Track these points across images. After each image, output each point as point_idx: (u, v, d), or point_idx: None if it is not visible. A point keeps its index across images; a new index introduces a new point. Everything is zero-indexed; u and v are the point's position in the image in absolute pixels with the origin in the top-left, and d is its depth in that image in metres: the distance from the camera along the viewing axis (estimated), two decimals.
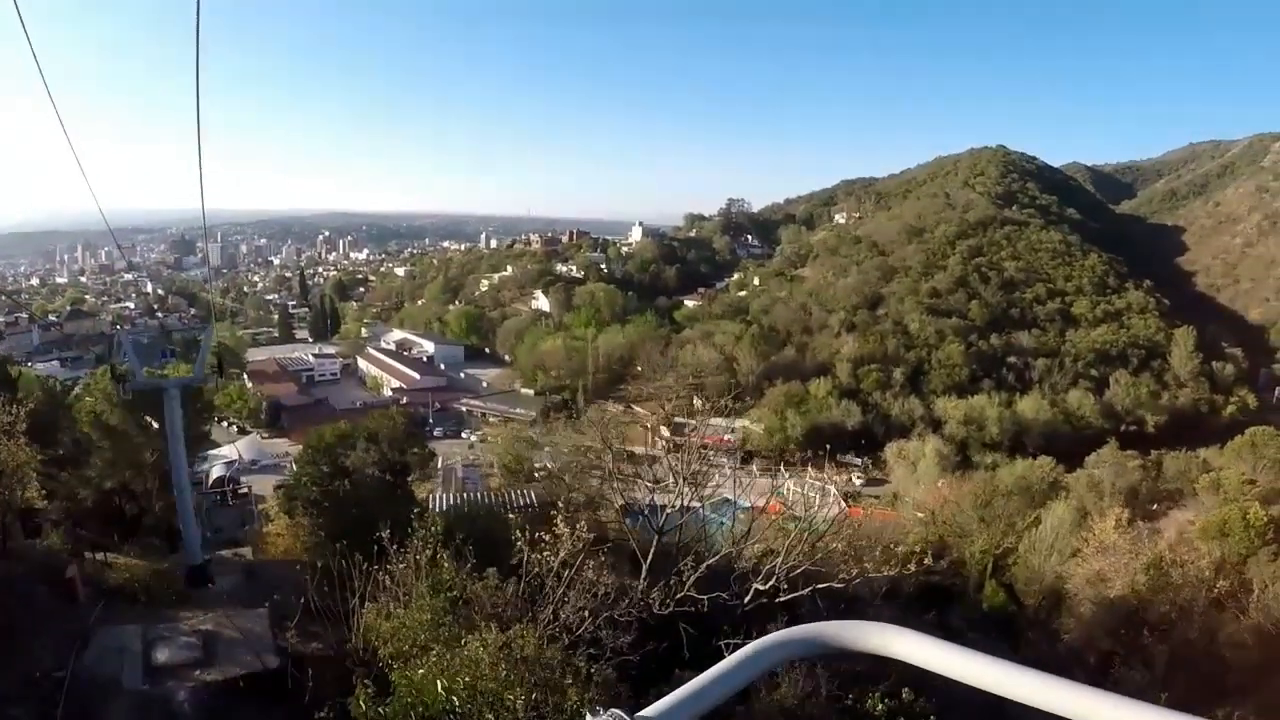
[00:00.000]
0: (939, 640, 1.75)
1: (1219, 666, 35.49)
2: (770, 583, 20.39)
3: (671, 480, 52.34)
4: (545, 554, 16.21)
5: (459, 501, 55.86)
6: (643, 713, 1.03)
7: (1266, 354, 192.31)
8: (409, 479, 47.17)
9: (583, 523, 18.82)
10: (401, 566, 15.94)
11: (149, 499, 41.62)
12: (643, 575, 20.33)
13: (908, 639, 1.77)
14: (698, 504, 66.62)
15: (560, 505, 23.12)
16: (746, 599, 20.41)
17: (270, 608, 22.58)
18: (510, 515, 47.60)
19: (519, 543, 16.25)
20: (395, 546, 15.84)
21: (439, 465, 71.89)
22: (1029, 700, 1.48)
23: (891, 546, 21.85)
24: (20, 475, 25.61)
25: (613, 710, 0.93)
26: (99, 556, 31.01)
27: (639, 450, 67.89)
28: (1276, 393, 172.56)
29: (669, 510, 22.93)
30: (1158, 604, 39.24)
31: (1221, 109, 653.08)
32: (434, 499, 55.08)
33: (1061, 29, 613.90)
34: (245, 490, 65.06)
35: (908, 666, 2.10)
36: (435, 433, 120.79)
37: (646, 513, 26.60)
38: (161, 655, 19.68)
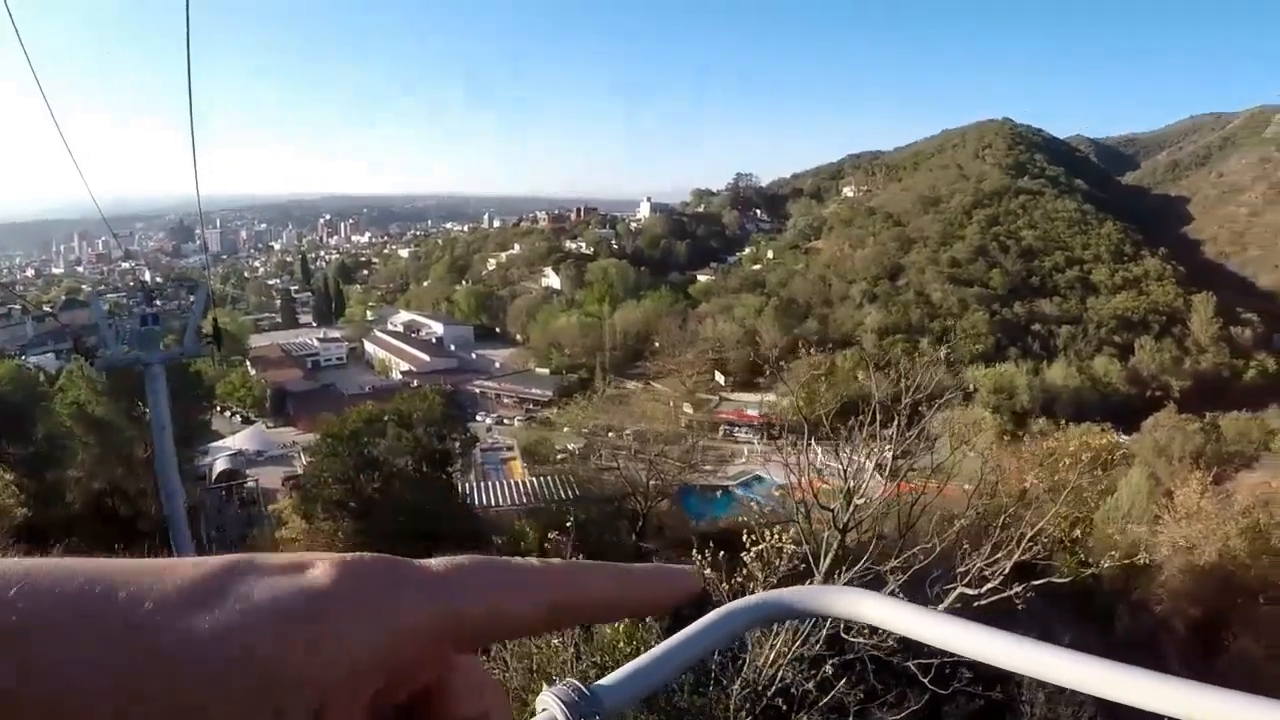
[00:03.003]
0: (907, 603, 1.67)
1: None
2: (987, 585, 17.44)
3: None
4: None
5: (512, 496, 52.58)
6: (601, 681, 1.07)
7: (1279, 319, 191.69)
8: (451, 470, 43.48)
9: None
10: None
11: (144, 499, 36.77)
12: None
13: (875, 602, 1.66)
14: (729, 482, 63.17)
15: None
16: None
17: None
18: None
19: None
20: None
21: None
22: (995, 661, 1.55)
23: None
24: None
25: (568, 680, 0.96)
26: None
27: (661, 429, 65.06)
28: None
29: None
30: (1257, 568, 37.46)
31: (1221, 81, 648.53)
32: (474, 491, 51.60)
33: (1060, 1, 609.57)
34: (252, 484, 60.99)
35: None
36: None
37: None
38: None
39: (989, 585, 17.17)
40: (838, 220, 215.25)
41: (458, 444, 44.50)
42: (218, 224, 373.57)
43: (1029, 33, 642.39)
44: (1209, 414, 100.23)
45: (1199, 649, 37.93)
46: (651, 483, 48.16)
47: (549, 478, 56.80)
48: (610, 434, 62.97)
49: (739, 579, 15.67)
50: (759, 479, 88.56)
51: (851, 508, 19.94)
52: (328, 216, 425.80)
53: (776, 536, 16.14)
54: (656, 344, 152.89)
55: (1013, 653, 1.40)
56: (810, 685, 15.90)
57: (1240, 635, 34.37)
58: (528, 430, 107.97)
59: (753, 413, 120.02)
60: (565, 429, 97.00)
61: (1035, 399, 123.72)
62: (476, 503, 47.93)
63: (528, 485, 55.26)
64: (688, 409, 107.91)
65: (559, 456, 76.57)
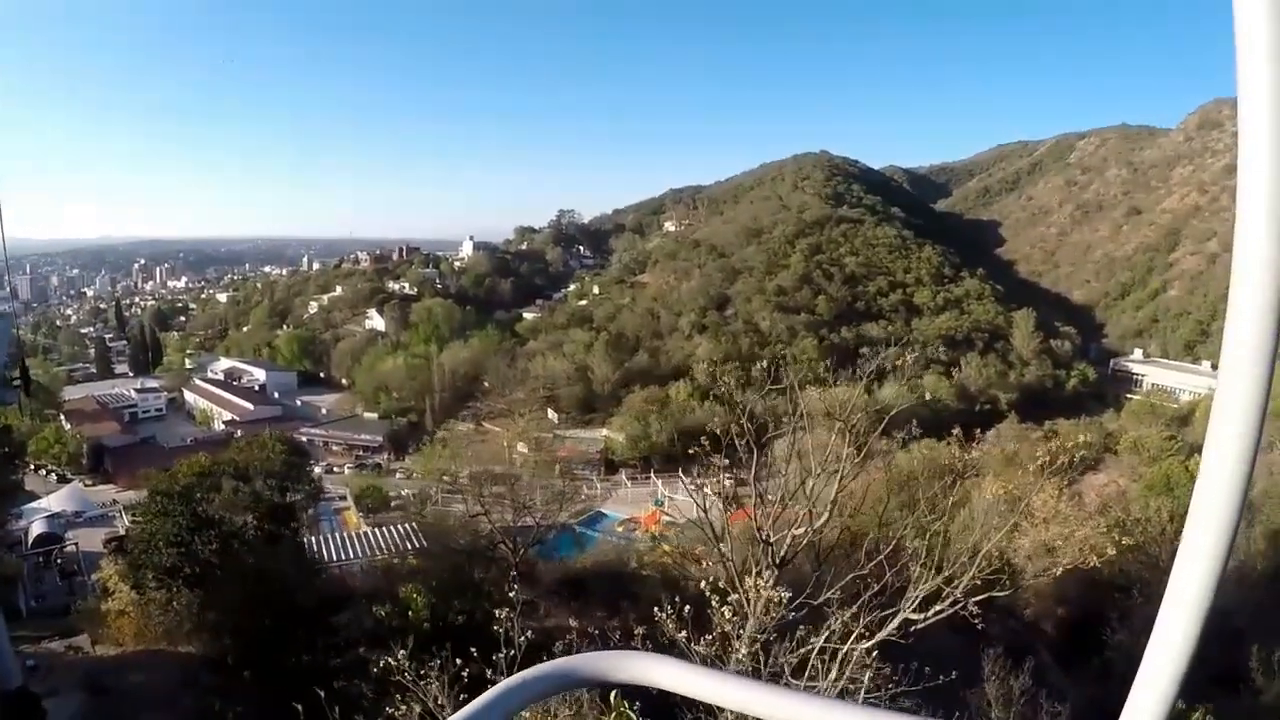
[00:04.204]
0: (696, 666, 1.85)
1: None
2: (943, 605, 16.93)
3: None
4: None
5: (354, 549, 49.24)
6: None
7: (1095, 330, 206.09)
8: (295, 526, 39.78)
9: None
10: None
11: None
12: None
13: (665, 666, 1.85)
14: (571, 520, 61.32)
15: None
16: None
17: None
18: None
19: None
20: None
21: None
22: (778, 717, 1.71)
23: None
24: None
25: None
26: None
27: (496, 469, 62.85)
28: (1111, 365, 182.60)
29: None
30: (1120, 563, 38.58)
31: (1025, 111, 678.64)
32: (318, 546, 48.12)
33: (870, 32, 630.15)
34: (72, 547, 56.43)
35: None
36: None
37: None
38: None
39: (935, 608, 16.65)
40: (662, 254, 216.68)
41: (300, 496, 41.39)
42: (27, 270, 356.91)
43: (843, 67, 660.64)
44: (1047, 422, 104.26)
45: (1074, 647, 38.69)
46: (520, 525, 45.83)
47: (394, 527, 54.02)
48: (464, 479, 60.12)
49: (714, 635, 14.59)
50: (601, 515, 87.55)
51: (790, 537, 19.58)
52: (142, 261, 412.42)
53: (752, 583, 15.34)
54: (486, 384, 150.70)
55: (799, 707, 1.55)
56: None
57: (1118, 630, 34.90)
58: (359, 477, 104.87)
59: (587, 449, 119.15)
60: (412, 475, 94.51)
61: (871, 419, 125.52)
62: (322, 559, 44.58)
63: (371, 537, 51.98)
64: (522, 448, 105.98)
65: (399, 503, 74.48)
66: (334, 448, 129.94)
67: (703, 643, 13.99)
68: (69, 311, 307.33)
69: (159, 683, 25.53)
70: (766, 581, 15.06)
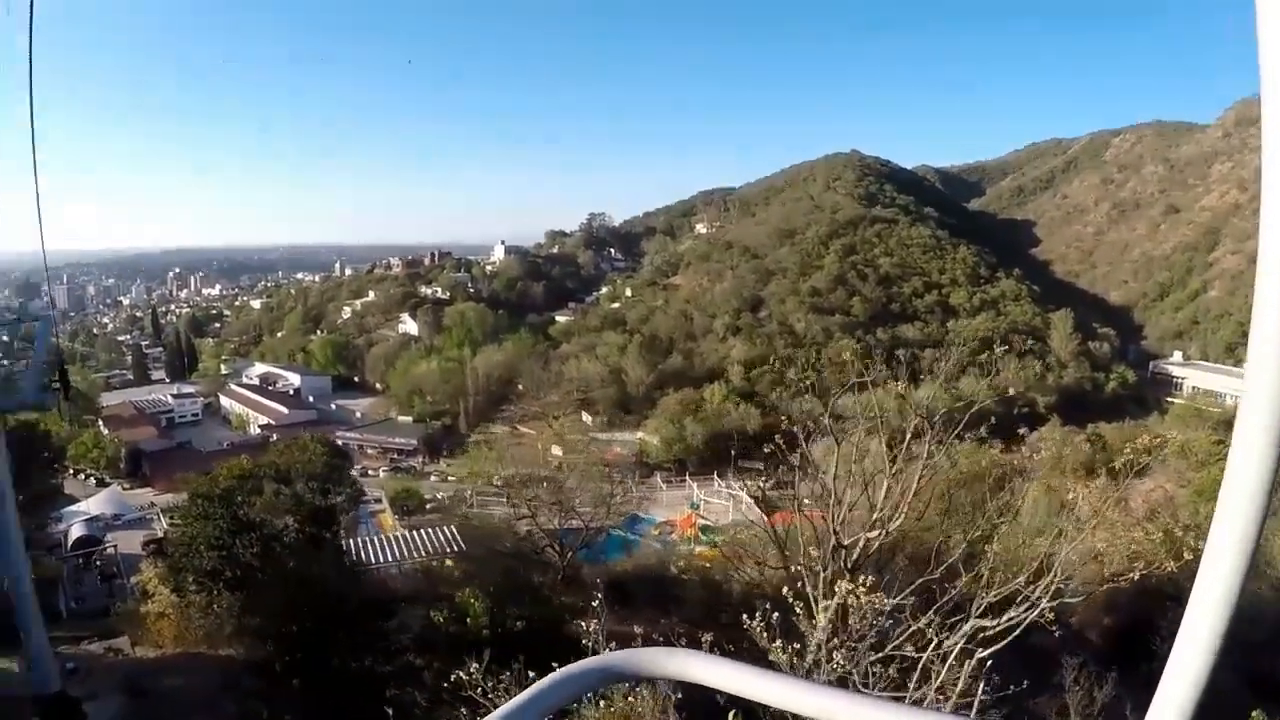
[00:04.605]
0: (733, 661, 1.87)
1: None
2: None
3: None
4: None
5: (392, 552, 48.36)
6: None
7: (1133, 332, 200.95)
8: (336, 529, 38.99)
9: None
10: None
11: None
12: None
13: (704, 662, 1.90)
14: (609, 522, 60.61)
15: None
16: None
17: None
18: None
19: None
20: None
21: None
22: (817, 714, 1.73)
23: None
24: None
25: None
26: None
27: (542, 472, 62.19)
28: (1150, 367, 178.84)
29: None
30: (1169, 570, 37.53)
31: (1058, 108, 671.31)
32: (358, 549, 47.33)
33: (899, 31, 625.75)
34: (111, 550, 56.38)
35: None
36: None
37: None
38: None
39: (1009, 614, 16.21)
40: (694, 255, 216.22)
41: (341, 498, 40.71)
42: (64, 280, 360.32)
43: (872, 66, 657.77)
44: (1090, 426, 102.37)
45: (1123, 656, 37.70)
46: (566, 528, 45.22)
47: (431, 529, 53.26)
48: (510, 481, 59.33)
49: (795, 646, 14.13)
50: (637, 518, 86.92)
51: (863, 541, 19.45)
52: (177, 270, 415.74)
53: (854, 589, 14.72)
54: (520, 387, 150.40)
55: (837, 704, 1.62)
56: None
57: (1167, 639, 34.01)
58: (394, 480, 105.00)
59: (622, 450, 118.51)
60: (447, 478, 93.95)
61: (908, 422, 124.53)
62: (361, 562, 43.86)
63: (407, 539, 51.22)
64: (556, 451, 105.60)
65: (434, 505, 74.00)
66: (369, 451, 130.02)
67: (790, 651, 13.34)
68: (105, 320, 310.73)
69: (199, 686, 25.03)
70: (858, 586, 14.27)
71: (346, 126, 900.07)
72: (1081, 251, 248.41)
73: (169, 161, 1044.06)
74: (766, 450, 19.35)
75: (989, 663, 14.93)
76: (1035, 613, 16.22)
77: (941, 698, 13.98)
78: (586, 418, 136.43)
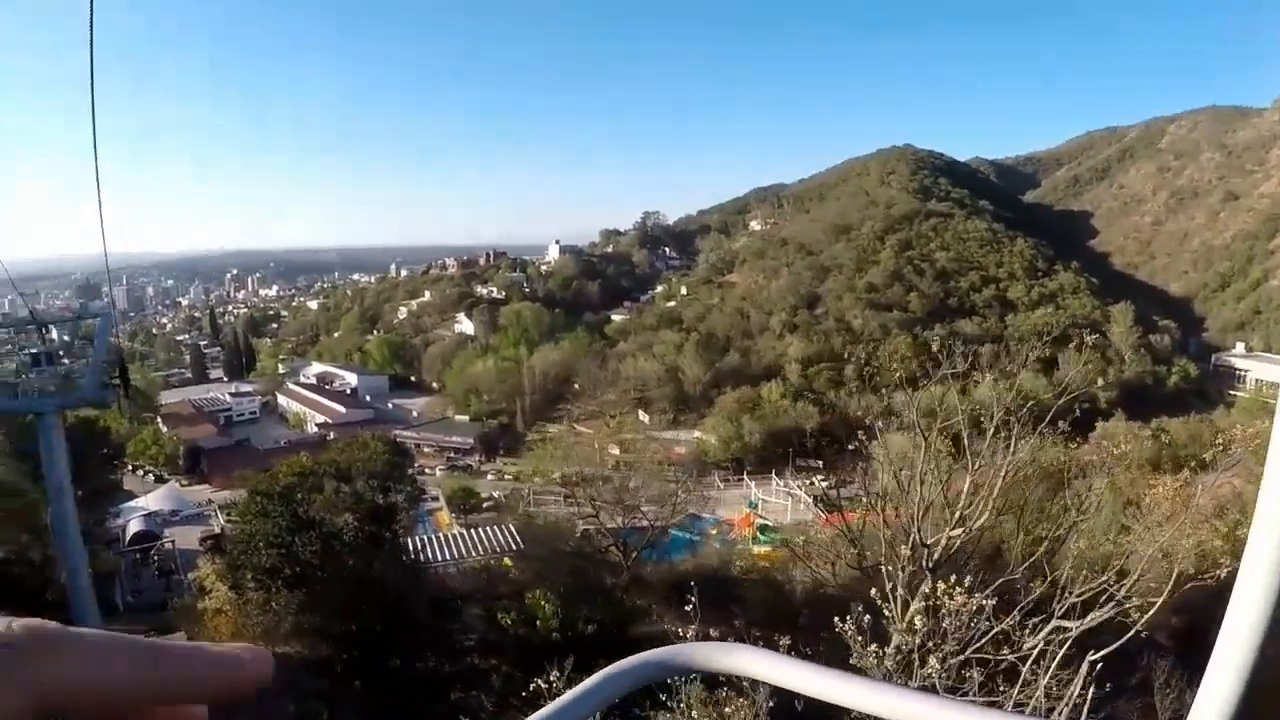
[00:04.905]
0: (789, 657, 1.83)
1: None
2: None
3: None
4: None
5: (451, 550, 47.98)
6: None
7: (1194, 324, 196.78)
8: (395, 527, 38.77)
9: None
10: None
11: (51, 567, 30.72)
12: None
13: (760, 657, 1.86)
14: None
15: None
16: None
17: None
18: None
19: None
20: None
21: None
22: (879, 712, 1.67)
23: None
24: None
25: None
26: None
27: (606, 471, 61.68)
28: (1212, 360, 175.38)
29: None
30: (1236, 568, 36.15)
31: (1112, 95, 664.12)
32: (418, 548, 46.90)
33: (952, 26, 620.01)
34: (169, 545, 56.78)
35: None
36: None
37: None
38: None
39: (1093, 614, 15.97)
40: (749, 253, 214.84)
41: (401, 497, 40.30)
42: (124, 281, 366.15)
43: (923, 59, 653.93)
44: (1154, 420, 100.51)
45: (1191, 658, 36.69)
46: (631, 525, 44.83)
47: (489, 528, 52.84)
48: (573, 479, 58.99)
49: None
50: (695, 517, 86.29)
51: (945, 539, 18.94)
52: (234, 271, 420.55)
53: (945, 590, 14.22)
54: (577, 385, 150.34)
55: (900, 703, 1.61)
56: None
57: None
58: (451, 479, 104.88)
59: (682, 450, 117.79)
60: (504, 476, 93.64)
61: (988, 418, 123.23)
62: (420, 561, 43.43)
63: (465, 538, 50.80)
64: (614, 450, 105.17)
65: (491, 504, 73.87)
66: (425, 449, 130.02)
67: (881, 654, 12.77)
68: (164, 320, 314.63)
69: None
70: (951, 587, 13.59)
71: (399, 128, 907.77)
72: (1140, 242, 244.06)
73: (227, 168, 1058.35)
74: (834, 448, 18.93)
75: (1099, 665, 14.46)
76: (1119, 613, 16.10)
77: (1045, 701, 13.36)
78: (643, 416, 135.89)
